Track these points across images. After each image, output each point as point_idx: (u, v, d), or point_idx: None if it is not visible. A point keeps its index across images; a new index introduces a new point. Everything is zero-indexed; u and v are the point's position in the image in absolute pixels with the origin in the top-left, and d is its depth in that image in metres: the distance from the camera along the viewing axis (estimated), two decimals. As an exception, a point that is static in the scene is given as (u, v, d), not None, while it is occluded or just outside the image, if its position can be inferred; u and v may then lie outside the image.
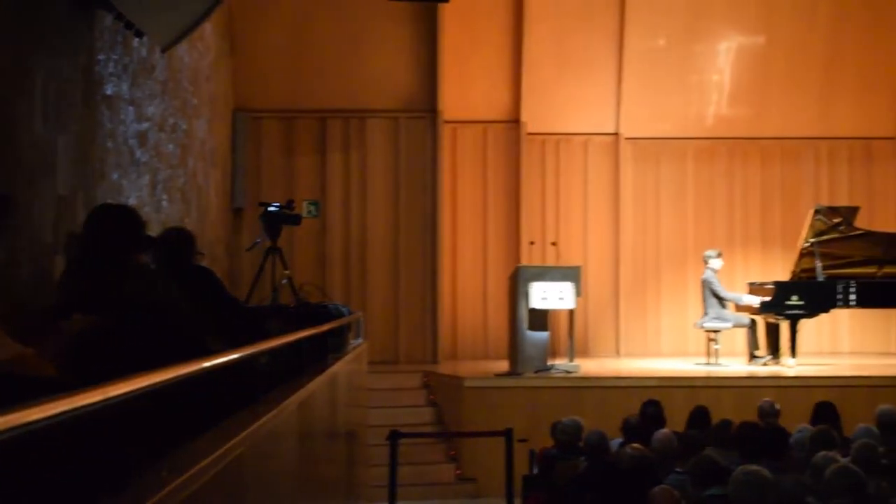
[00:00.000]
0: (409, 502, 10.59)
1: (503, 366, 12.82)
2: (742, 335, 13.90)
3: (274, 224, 10.65)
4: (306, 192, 14.13)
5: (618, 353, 15.58)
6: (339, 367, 7.04)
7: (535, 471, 8.33)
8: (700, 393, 11.21)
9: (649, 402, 8.72)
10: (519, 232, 15.22)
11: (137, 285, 4.13)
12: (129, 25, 7.85)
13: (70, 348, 3.16)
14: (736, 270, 15.32)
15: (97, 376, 2.17)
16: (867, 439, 6.66)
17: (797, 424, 7.78)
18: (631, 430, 8.00)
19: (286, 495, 4.51)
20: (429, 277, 14.58)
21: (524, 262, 14.16)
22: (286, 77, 14.55)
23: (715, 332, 13.54)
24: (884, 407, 8.37)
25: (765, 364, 13.38)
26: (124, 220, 4.38)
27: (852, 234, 13.45)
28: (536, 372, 12.13)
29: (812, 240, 13.32)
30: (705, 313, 13.58)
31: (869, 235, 13.51)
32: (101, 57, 7.64)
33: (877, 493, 5.62)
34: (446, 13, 14.50)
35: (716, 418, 8.25)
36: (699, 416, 8.54)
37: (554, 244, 14.39)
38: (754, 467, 5.35)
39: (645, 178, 15.97)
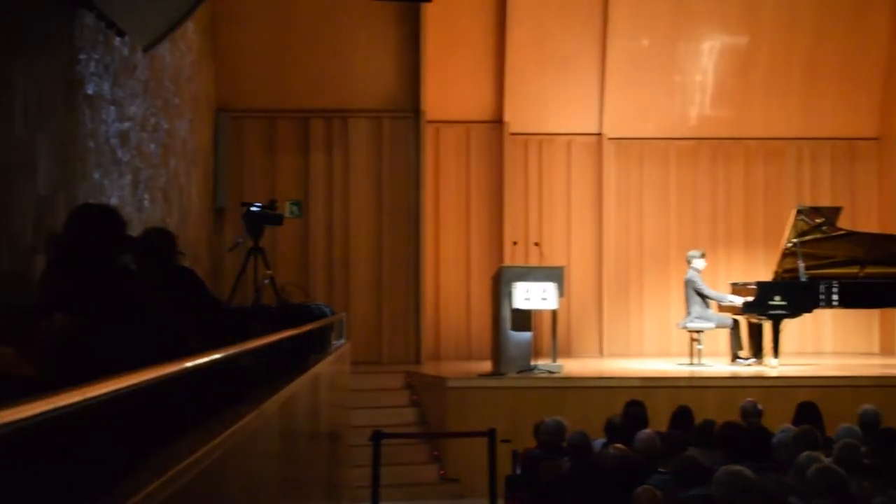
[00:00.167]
0: (392, 503, 10.59)
1: (486, 366, 12.81)
2: (725, 335, 13.92)
3: (256, 224, 10.60)
4: (289, 192, 14.05)
5: (601, 353, 15.60)
6: (321, 368, 7.02)
7: (518, 471, 8.31)
8: (683, 393, 11.21)
9: (632, 402, 8.70)
10: (502, 232, 15.22)
11: (118, 285, 4.10)
12: (110, 25, 7.83)
13: (50, 348, 3.13)
14: (719, 271, 15.37)
15: (77, 377, 2.15)
16: (850, 439, 6.67)
17: (780, 424, 7.78)
18: (614, 431, 7.99)
19: (268, 495, 4.50)
20: (412, 278, 14.56)
21: (507, 262, 14.17)
22: (268, 77, 14.51)
23: (698, 332, 13.57)
24: (866, 407, 8.41)
25: (748, 364, 13.41)
26: (105, 220, 4.34)
27: (835, 234, 13.48)
28: (519, 372, 12.12)
29: (795, 240, 13.35)
30: (688, 314, 13.60)
31: (851, 236, 13.55)
32: (82, 56, 7.60)
33: (859, 493, 5.63)
34: (429, 13, 14.49)
35: (699, 418, 8.23)
36: (682, 417, 8.53)
37: (537, 244, 14.41)
38: (737, 467, 5.35)
39: (628, 178, 15.99)
